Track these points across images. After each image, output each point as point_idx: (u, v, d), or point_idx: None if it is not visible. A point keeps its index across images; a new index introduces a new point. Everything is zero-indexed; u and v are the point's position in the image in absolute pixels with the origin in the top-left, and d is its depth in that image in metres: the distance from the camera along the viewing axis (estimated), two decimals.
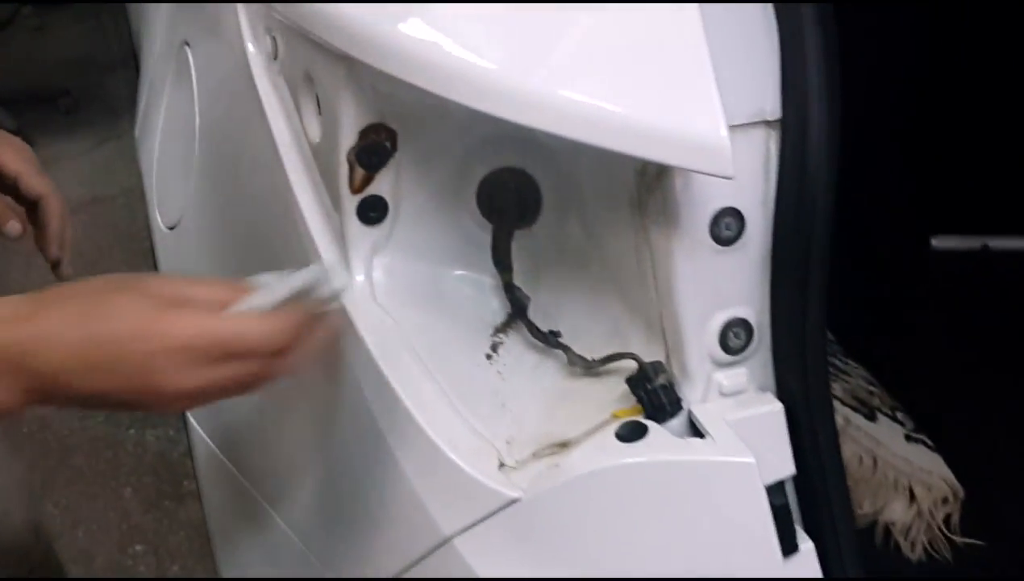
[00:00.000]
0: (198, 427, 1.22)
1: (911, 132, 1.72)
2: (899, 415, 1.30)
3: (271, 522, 1.06)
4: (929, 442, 1.27)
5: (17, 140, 0.95)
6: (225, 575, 1.27)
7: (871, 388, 1.34)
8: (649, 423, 0.74)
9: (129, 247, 3.16)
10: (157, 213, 1.33)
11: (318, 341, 0.72)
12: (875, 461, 1.21)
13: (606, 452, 0.73)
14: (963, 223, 1.67)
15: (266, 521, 1.07)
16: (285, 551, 1.03)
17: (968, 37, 1.78)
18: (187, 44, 1.25)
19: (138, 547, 2.25)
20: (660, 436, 0.73)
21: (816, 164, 0.70)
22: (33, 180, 0.95)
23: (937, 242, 1.69)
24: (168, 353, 0.65)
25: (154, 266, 1.54)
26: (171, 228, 1.27)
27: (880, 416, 1.27)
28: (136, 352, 0.64)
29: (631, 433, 0.74)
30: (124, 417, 2.59)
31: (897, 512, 1.21)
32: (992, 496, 1.25)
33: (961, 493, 1.23)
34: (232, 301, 0.70)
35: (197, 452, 1.26)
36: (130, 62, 3.47)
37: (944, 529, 1.22)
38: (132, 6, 2.65)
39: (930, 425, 1.31)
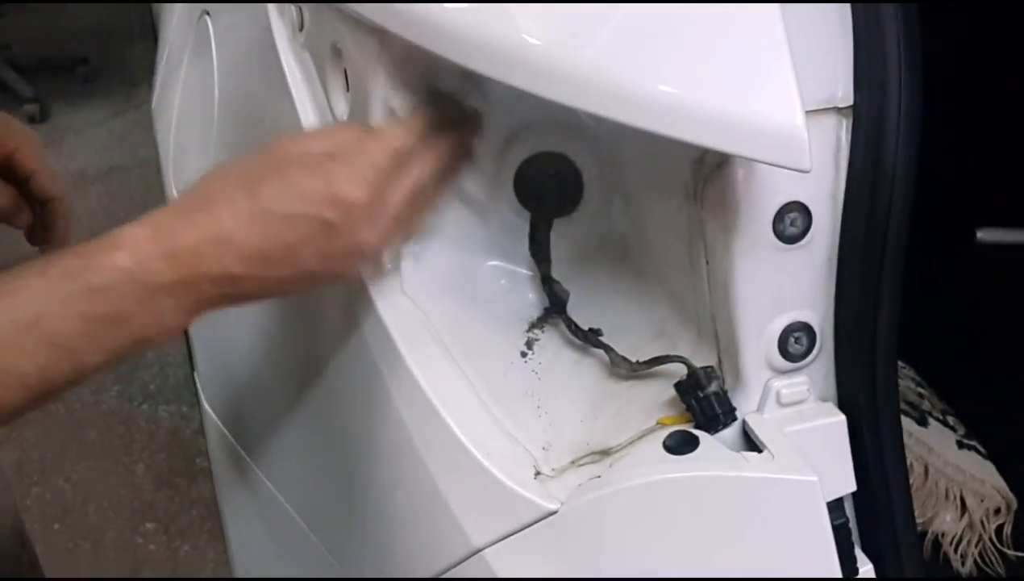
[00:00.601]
0: (212, 412, 1.17)
1: (955, 118, 1.65)
2: (950, 419, 1.24)
3: (285, 512, 1.01)
4: (981, 449, 1.21)
5: (32, 134, 0.92)
6: (235, 557, 1.23)
7: (920, 390, 1.28)
8: (700, 434, 0.69)
9: None
10: (173, 188, 1.28)
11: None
12: (926, 469, 1.16)
13: (653, 464, 0.67)
14: (1011, 214, 1.60)
15: (279, 510, 1.02)
16: (301, 543, 0.98)
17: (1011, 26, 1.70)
18: (207, 14, 1.19)
19: (149, 525, 2.23)
20: (712, 448, 0.67)
21: (893, 157, 0.64)
22: (48, 181, 0.92)
23: (983, 234, 1.62)
24: (355, 209, 0.66)
25: None
26: None
27: (931, 421, 1.21)
28: (326, 224, 0.65)
29: (680, 444, 0.68)
30: (137, 392, 2.57)
31: (947, 523, 1.15)
32: None
33: (1014, 504, 1.17)
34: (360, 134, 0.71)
35: (210, 435, 1.21)
36: (149, 32, 3.42)
37: (996, 541, 1.16)
38: None
39: (981, 429, 1.25)
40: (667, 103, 0.59)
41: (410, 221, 0.73)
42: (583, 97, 0.62)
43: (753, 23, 0.59)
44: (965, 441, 1.21)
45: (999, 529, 1.17)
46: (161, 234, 0.64)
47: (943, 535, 1.15)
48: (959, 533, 1.15)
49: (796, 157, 0.56)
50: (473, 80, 0.73)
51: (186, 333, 1.27)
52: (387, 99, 0.73)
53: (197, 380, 1.22)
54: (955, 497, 1.15)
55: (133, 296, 0.63)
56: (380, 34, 0.72)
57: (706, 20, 0.60)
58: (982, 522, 1.15)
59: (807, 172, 0.56)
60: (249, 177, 0.67)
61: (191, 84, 1.28)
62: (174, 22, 1.44)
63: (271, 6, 0.91)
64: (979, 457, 1.20)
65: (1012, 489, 1.18)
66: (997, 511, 1.17)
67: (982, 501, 1.15)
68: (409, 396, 0.75)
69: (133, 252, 0.64)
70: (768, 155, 0.57)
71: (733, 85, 0.58)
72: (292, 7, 0.87)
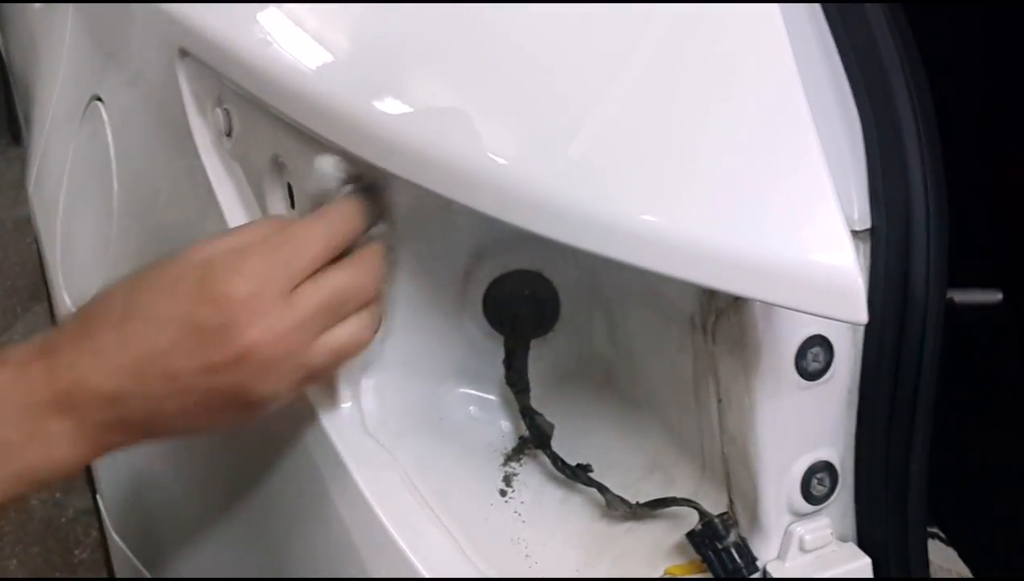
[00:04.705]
0: (120, 542, 1.05)
1: None
2: None
3: None
4: (942, 535, 1.18)
5: None
6: None
7: None
8: None
9: (1, 286, 2.91)
10: (64, 290, 1.15)
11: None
12: None
13: None
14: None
15: None
16: None
17: None
18: (99, 100, 1.08)
19: None
20: None
21: (923, 284, 0.59)
22: None
23: None
24: (233, 306, 0.54)
25: None
26: None
27: None
28: (195, 325, 0.55)
29: None
30: None
31: None
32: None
33: None
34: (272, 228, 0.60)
35: (118, 568, 1.09)
36: None
37: None
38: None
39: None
40: (687, 243, 0.52)
41: (332, 345, 0.59)
42: (577, 232, 0.54)
43: (786, 142, 0.53)
44: (928, 529, 1.18)
45: None
46: (42, 349, 0.57)
47: None
48: None
49: (851, 309, 0.50)
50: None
51: None
52: None
53: (102, 506, 1.10)
54: None
55: (14, 419, 0.55)
56: (335, 152, 0.64)
57: (730, 137, 0.53)
58: None
59: (865, 323, 0.50)
60: (134, 283, 0.58)
61: (80, 174, 1.16)
62: (54, 98, 1.32)
63: (190, 104, 0.81)
64: (942, 545, 1.17)
65: (974, 572, 1.16)
66: None
67: None
68: (381, 552, 0.67)
69: (13, 368, 0.56)
70: (815, 305, 0.51)
71: (768, 222, 0.52)
72: (219, 109, 0.77)
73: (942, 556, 1.16)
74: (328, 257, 0.59)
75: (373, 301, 0.61)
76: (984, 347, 1.47)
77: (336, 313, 0.58)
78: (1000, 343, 1.49)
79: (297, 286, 0.57)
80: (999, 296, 1.47)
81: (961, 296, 1.46)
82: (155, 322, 0.56)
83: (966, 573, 1.16)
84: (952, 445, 1.32)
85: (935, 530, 1.20)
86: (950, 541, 1.19)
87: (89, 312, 0.59)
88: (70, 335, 0.57)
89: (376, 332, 0.64)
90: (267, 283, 0.55)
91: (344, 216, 0.60)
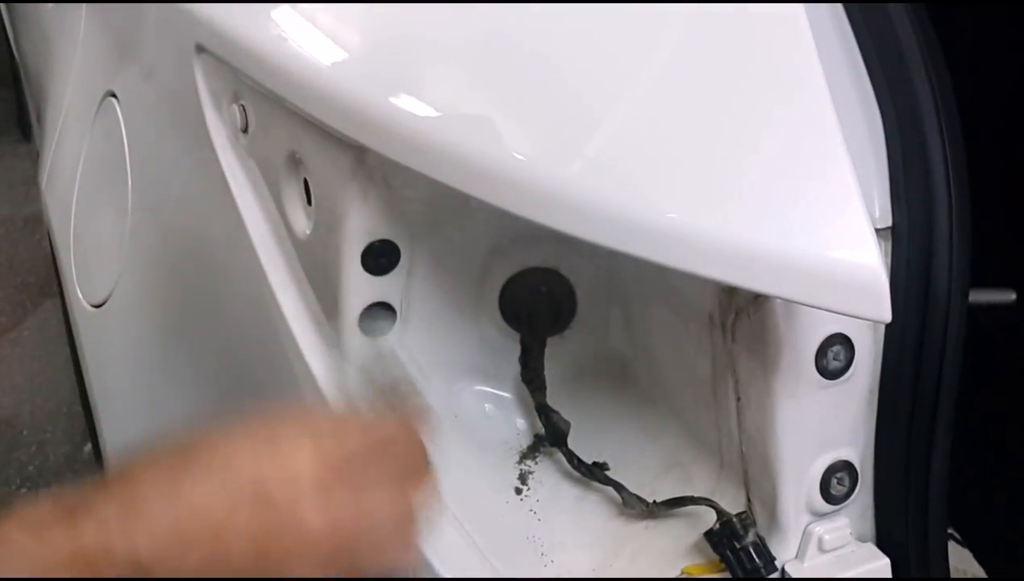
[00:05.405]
0: None
1: None
2: None
3: None
4: (958, 536, 1.18)
5: None
6: None
7: None
8: None
9: (11, 282, 2.91)
10: (77, 287, 1.15)
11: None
12: None
13: None
14: None
15: None
16: None
17: None
18: (113, 96, 1.08)
19: None
20: None
21: (946, 282, 0.59)
22: None
23: None
24: (300, 482, 0.51)
25: (72, 350, 1.35)
26: (96, 306, 1.09)
27: None
28: (260, 492, 0.51)
29: None
30: (14, 475, 2.37)
31: None
32: None
33: None
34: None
35: None
36: (8, 80, 3.22)
37: None
38: (9, 20, 2.43)
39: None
40: (711, 241, 0.52)
41: (375, 512, 0.54)
42: (601, 230, 0.54)
43: (811, 140, 0.53)
44: None
45: None
46: (65, 508, 0.51)
47: None
48: None
49: (875, 307, 0.49)
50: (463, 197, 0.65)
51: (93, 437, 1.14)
52: (365, 223, 0.65)
53: None
54: None
55: (22, 574, 0.50)
56: (355, 149, 0.64)
57: (755, 135, 0.53)
58: None
59: (888, 322, 0.50)
60: (185, 444, 0.54)
61: (94, 169, 1.16)
62: (67, 95, 1.31)
63: (206, 101, 0.81)
64: (956, 545, 1.17)
65: (989, 573, 1.16)
66: None
67: None
68: None
69: (30, 521, 0.50)
70: (839, 304, 0.50)
71: (792, 219, 0.51)
72: (235, 105, 0.77)
73: (957, 557, 1.16)
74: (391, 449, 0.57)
75: None
76: (998, 347, 1.46)
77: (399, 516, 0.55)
78: (1014, 343, 1.48)
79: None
80: (1012, 296, 1.45)
81: (974, 295, 1.44)
82: (215, 481, 0.52)
83: (981, 574, 1.16)
84: (966, 446, 1.32)
85: (950, 531, 1.19)
86: (965, 542, 1.18)
87: (130, 473, 0.53)
88: (104, 495, 0.52)
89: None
90: (329, 467, 0.53)
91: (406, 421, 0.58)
